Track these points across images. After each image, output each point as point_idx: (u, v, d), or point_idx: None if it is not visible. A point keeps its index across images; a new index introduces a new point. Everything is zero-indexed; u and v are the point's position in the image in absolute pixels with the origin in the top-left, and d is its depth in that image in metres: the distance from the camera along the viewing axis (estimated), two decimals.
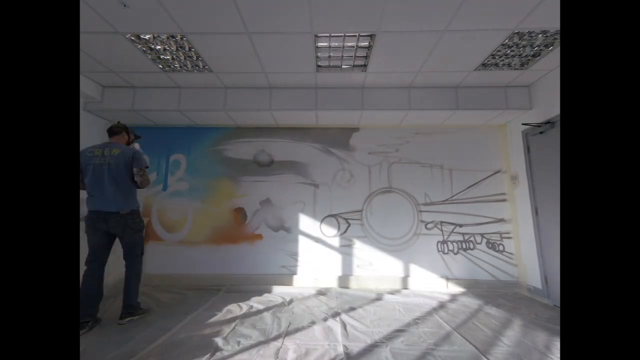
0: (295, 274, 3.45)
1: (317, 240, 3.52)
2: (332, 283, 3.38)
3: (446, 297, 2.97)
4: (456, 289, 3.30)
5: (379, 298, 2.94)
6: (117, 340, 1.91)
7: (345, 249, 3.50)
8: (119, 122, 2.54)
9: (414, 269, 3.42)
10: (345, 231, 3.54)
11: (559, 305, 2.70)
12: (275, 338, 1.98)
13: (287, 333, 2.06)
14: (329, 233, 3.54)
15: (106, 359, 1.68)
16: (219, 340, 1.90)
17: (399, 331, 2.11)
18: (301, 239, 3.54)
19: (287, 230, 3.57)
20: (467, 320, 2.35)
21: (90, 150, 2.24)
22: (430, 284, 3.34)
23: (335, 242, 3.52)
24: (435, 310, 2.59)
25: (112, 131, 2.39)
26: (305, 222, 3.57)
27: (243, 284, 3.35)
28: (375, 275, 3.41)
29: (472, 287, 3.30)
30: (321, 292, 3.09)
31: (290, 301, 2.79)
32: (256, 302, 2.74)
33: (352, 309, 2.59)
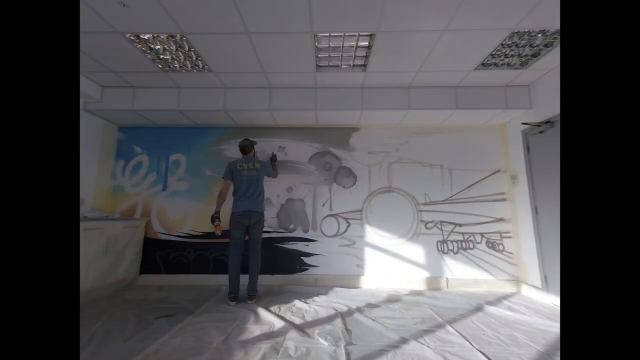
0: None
1: (316, 239, 3.53)
2: (331, 281, 3.38)
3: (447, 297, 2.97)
4: (455, 288, 3.31)
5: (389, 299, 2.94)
6: (117, 340, 1.91)
7: (345, 249, 3.50)
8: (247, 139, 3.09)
9: (414, 268, 3.42)
10: (345, 231, 3.54)
11: (558, 305, 2.70)
12: (278, 334, 1.98)
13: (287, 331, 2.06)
14: (329, 233, 3.54)
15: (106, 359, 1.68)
16: (218, 342, 1.90)
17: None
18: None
19: (286, 229, 3.57)
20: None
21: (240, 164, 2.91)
22: (430, 283, 3.35)
23: (335, 241, 3.52)
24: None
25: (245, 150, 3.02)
26: (305, 222, 3.57)
27: (242, 283, 3.34)
28: (376, 275, 3.41)
29: (472, 286, 3.30)
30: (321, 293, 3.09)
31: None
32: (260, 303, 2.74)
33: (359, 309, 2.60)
